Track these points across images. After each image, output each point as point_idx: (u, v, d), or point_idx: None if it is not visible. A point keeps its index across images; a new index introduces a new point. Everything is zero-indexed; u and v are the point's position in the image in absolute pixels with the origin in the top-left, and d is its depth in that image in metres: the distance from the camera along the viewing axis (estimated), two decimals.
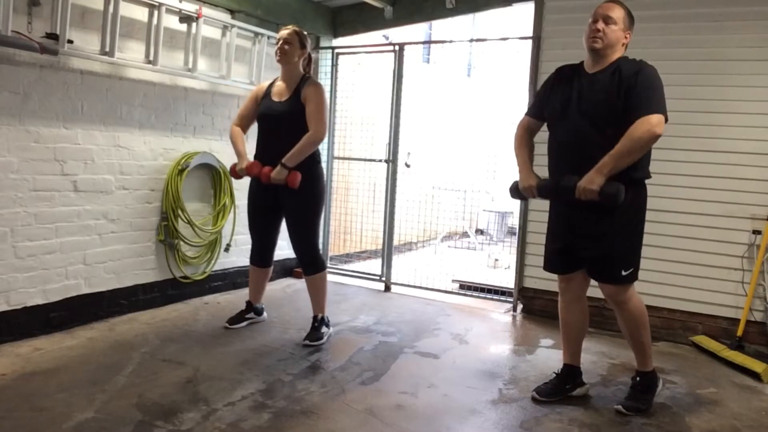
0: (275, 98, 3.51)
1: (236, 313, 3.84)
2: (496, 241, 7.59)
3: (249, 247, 4.78)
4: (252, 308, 3.86)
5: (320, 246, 4.46)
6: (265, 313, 3.93)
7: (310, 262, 3.61)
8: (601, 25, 2.60)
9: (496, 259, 6.29)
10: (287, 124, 3.42)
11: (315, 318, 3.64)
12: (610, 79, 2.60)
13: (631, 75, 2.56)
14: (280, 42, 3.45)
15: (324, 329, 3.63)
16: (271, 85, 3.59)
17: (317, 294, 3.66)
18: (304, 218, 3.55)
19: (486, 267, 6.23)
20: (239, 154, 3.58)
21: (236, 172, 3.58)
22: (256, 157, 3.59)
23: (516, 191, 2.89)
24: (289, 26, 3.53)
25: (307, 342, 3.52)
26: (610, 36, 2.61)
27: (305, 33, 3.55)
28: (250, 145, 3.62)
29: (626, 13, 2.66)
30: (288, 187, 3.40)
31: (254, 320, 3.86)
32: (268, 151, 3.50)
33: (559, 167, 2.79)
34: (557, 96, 2.76)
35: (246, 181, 4.69)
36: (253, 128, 3.66)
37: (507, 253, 6.16)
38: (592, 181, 2.53)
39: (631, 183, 2.64)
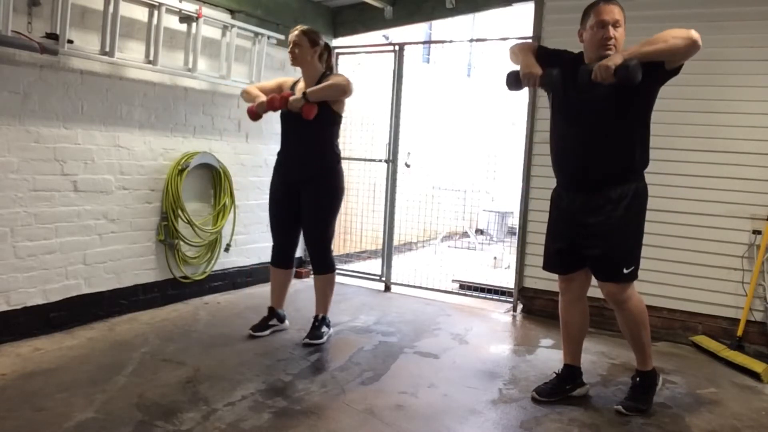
0: (298, 95, 3.50)
1: (260, 319, 3.71)
2: (496, 241, 7.59)
3: (249, 247, 4.82)
4: (275, 314, 3.73)
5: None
6: (287, 321, 3.80)
7: (321, 260, 3.60)
8: (612, 32, 2.58)
9: (495, 257, 6.29)
10: (308, 120, 3.39)
11: (316, 317, 3.64)
12: None
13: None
14: (291, 46, 3.47)
15: (324, 329, 3.62)
16: (295, 83, 3.61)
17: (323, 294, 3.65)
18: (321, 214, 3.53)
19: (486, 267, 6.22)
20: (256, 96, 3.50)
21: (255, 112, 3.46)
22: (279, 154, 3.61)
23: (514, 80, 2.73)
24: (297, 27, 3.51)
25: (307, 341, 3.52)
26: (620, 40, 2.61)
27: (315, 30, 3.53)
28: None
29: (622, 8, 2.65)
30: (312, 186, 3.43)
31: (277, 328, 3.72)
32: (291, 149, 3.52)
33: (562, 158, 2.78)
34: (567, 84, 2.70)
35: (247, 180, 4.69)
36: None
37: (507, 253, 6.16)
38: (609, 58, 2.46)
39: (633, 176, 2.65)
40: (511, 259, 5.37)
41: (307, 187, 3.48)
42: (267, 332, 3.66)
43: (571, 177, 2.77)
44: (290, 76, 3.73)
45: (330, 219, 3.58)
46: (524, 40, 2.87)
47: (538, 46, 2.87)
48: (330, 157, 3.51)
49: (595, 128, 2.63)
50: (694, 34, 2.41)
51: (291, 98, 3.34)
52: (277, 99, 3.41)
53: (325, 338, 3.59)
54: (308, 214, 3.55)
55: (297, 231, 3.69)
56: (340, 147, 5.43)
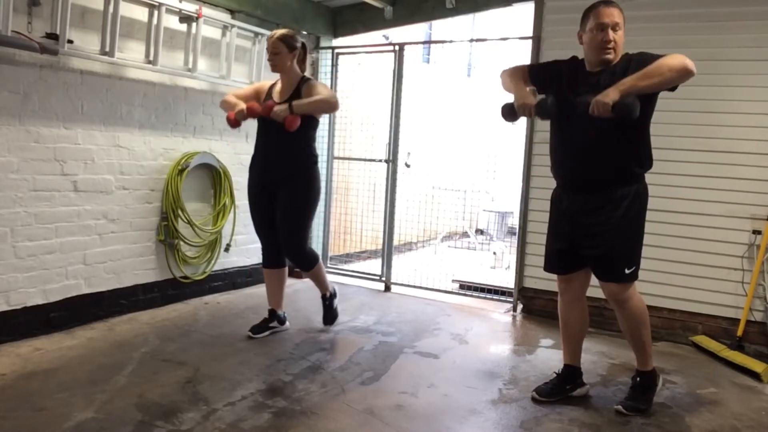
0: (275, 98, 3.51)
1: (260, 321, 3.71)
2: (496, 241, 7.59)
3: (249, 247, 4.82)
4: (275, 316, 3.71)
5: (315, 245, 4.46)
6: (288, 323, 3.79)
7: (302, 261, 3.65)
8: (612, 35, 2.57)
9: (494, 252, 6.29)
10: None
11: (324, 297, 3.84)
12: (612, 77, 2.58)
13: (632, 58, 2.58)
14: (269, 54, 3.47)
15: (335, 302, 3.90)
16: (272, 86, 3.61)
17: (318, 279, 3.80)
18: (296, 217, 3.52)
19: (486, 266, 6.22)
20: (235, 104, 3.46)
21: (235, 119, 3.43)
22: (253, 158, 3.62)
23: (510, 112, 2.74)
24: (274, 33, 3.48)
25: (328, 323, 3.85)
26: (620, 43, 2.61)
27: (291, 34, 3.50)
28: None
29: (621, 10, 2.65)
30: (287, 187, 3.44)
31: (277, 329, 3.71)
32: (267, 152, 3.52)
33: (563, 162, 2.78)
34: (566, 92, 2.71)
35: (246, 180, 4.68)
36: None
37: (507, 253, 6.16)
38: (606, 94, 2.45)
39: (633, 178, 2.65)
40: (510, 258, 5.37)
41: (283, 189, 3.49)
42: (266, 333, 3.65)
43: (571, 181, 2.77)
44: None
45: (305, 221, 3.58)
46: (514, 65, 2.87)
47: (528, 67, 2.88)
48: (305, 159, 3.51)
49: (595, 133, 2.62)
50: (689, 63, 2.42)
51: (276, 108, 3.32)
52: (257, 108, 3.39)
53: (338, 313, 3.92)
54: (283, 216, 3.53)
55: None
56: (341, 147, 5.52)
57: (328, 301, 3.86)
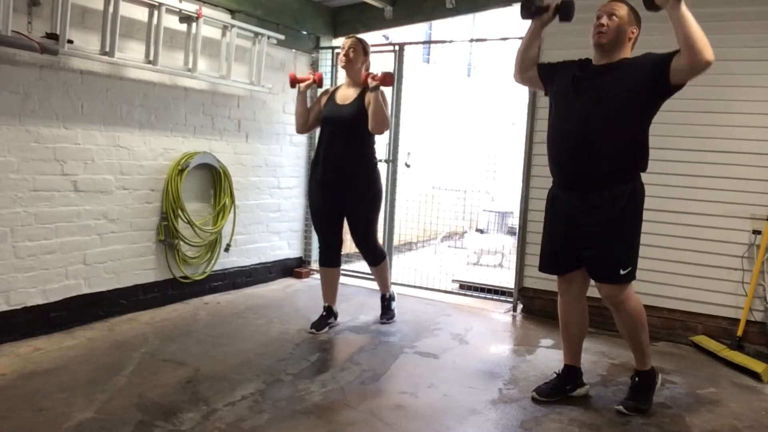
0: (339, 101, 3.67)
1: (318, 318, 3.85)
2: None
3: (249, 247, 4.82)
4: (331, 312, 3.91)
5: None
6: (338, 318, 4.00)
7: (371, 256, 3.93)
8: (605, 20, 2.64)
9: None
10: (351, 126, 3.59)
11: (383, 297, 4.11)
12: (623, 69, 2.62)
13: (643, 56, 2.62)
14: (346, 49, 3.63)
15: (393, 305, 4.13)
16: (335, 90, 3.78)
17: (382, 278, 4.07)
18: (366, 218, 3.78)
19: (488, 267, 6.22)
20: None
21: (296, 79, 3.72)
22: (316, 160, 3.75)
23: (528, 8, 2.94)
24: (352, 35, 3.73)
25: (384, 320, 4.04)
26: (614, 30, 2.63)
27: (367, 42, 3.73)
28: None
29: (630, 9, 2.68)
30: (351, 190, 3.67)
31: (333, 324, 3.90)
32: (330, 154, 3.66)
33: (559, 155, 2.79)
34: (567, 82, 2.77)
35: (247, 180, 4.69)
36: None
37: (508, 252, 6.16)
38: None
39: (630, 175, 2.66)
40: (511, 259, 5.37)
41: (349, 190, 3.68)
42: (326, 329, 3.80)
43: (568, 175, 2.77)
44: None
45: (374, 218, 3.84)
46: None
47: (542, 64, 2.99)
48: (367, 162, 3.70)
49: (594, 122, 2.64)
50: (712, 57, 2.38)
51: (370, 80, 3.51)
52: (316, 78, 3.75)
53: (396, 314, 4.10)
54: (354, 216, 3.78)
55: (341, 230, 3.89)
56: None
57: (387, 302, 4.11)
